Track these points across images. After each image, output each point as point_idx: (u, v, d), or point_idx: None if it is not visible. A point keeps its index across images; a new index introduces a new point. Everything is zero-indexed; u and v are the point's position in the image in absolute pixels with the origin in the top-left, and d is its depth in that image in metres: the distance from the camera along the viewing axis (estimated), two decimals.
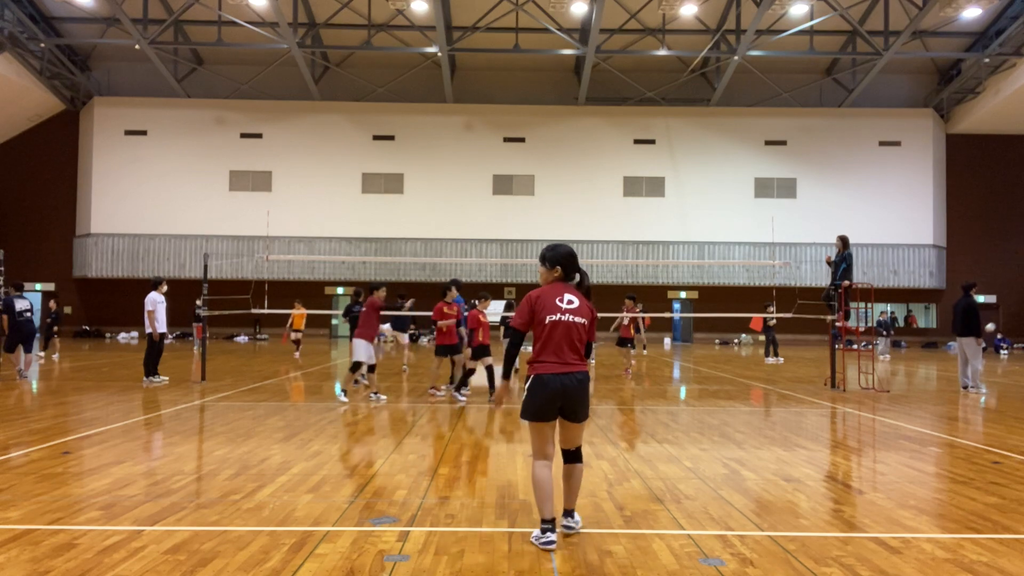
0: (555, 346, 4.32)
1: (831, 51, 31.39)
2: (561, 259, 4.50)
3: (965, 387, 13.12)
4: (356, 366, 10.71)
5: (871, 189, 33.23)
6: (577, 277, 4.52)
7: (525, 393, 4.34)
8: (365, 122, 33.46)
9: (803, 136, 33.58)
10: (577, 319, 4.36)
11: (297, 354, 20.73)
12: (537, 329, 4.37)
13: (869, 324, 14.80)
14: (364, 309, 10.91)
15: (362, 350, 10.63)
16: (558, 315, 4.34)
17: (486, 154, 33.36)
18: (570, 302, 4.38)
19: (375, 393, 10.90)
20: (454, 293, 11.36)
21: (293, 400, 11.14)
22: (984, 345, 29.34)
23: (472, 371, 11.49)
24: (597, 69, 31.75)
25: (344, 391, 10.81)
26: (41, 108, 32.76)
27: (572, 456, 4.51)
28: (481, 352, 11.33)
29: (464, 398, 11.10)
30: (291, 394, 11.90)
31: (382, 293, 10.97)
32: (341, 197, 33.06)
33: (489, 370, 11.38)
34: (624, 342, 16.17)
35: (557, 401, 4.27)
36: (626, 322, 16.21)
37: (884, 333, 25.14)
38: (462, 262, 32.00)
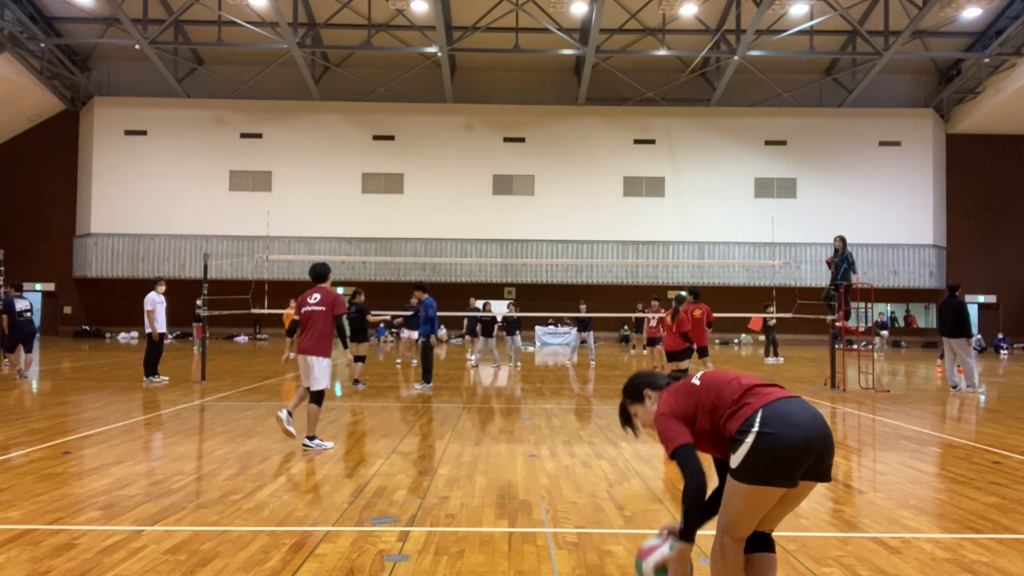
0: (744, 376, 3.05)
1: (831, 51, 31.38)
2: (642, 382, 3.27)
3: (955, 386, 13.12)
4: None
5: (871, 189, 33.21)
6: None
7: (752, 444, 2.79)
8: (365, 122, 33.45)
9: (803, 136, 33.56)
10: None
11: (289, 354, 20.27)
12: (697, 391, 3.05)
13: (869, 324, 14.80)
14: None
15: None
16: (700, 371, 3.27)
17: (486, 154, 33.34)
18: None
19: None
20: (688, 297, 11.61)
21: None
22: (984, 346, 29.56)
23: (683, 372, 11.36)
24: (597, 69, 31.74)
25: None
26: (41, 108, 32.74)
27: (766, 541, 3.03)
28: (678, 355, 11.34)
29: None
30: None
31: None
32: (341, 197, 33.04)
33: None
34: (653, 342, 17.09)
35: (814, 449, 2.78)
36: (653, 323, 16.87)
37: (880, 333, 25.45)
38: (462, 262, 31.99)
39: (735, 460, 2.82)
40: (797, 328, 27.82)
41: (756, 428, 2.80)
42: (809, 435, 2.78)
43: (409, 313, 17.61)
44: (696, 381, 3.07)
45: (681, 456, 2.89)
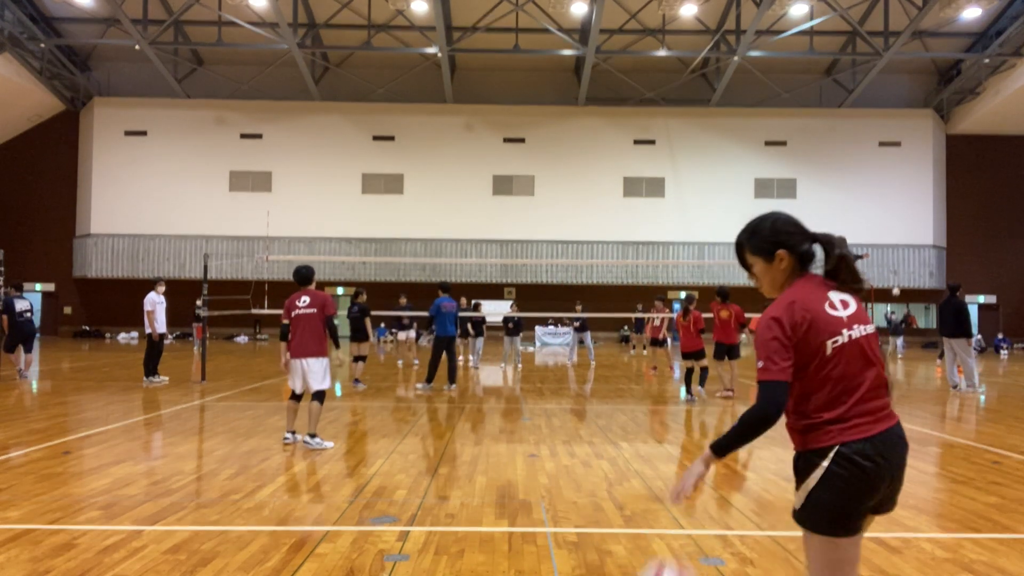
0: (857, 386, 2.35)
1: (831, 51, 31.38)
2: (777, 235, 2.54)
3: (955, 386, 13.12)
4: None
5: (871, 189, 33.21)
6: (819, 252, 2.58)
7: (816, 485, 2.34)
8: (365, 122, 33.46)
9: (803, 136, 33.57)
10: (866, 328, 2.45)
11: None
12: (811, 365, 2.38)
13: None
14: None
15: None
16: (843, 332, 2.39)
17: (486, 154, 33.35)
18: (844, 303, 2.48)
19: None
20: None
21: None
22: (984, 346, 29.56)
23: (696, 370, 11.94)
24: (597, 69, 31.74)
25: None
26: (41, 108, 32.75)
27: None
28: (694, 355, 12.03)
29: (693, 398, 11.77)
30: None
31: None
32: (341, 197, 33.05)
33: (688, 372, 11.94)
34: (657, 342, 17.03)
35: (880, 491, 2.32)
36: (657, 323, 16.82)
37: (895, 333, 26.03)
38: (462, 262, 31.98)
39: (798, 498, 2.40)
40: None
41: (827, 464, 2.31)
42: (885, 483, 2.33)
43: (398, 313, 18.16)
44: (829, 348, 2.37)
45: (769, 387, 2.32)
